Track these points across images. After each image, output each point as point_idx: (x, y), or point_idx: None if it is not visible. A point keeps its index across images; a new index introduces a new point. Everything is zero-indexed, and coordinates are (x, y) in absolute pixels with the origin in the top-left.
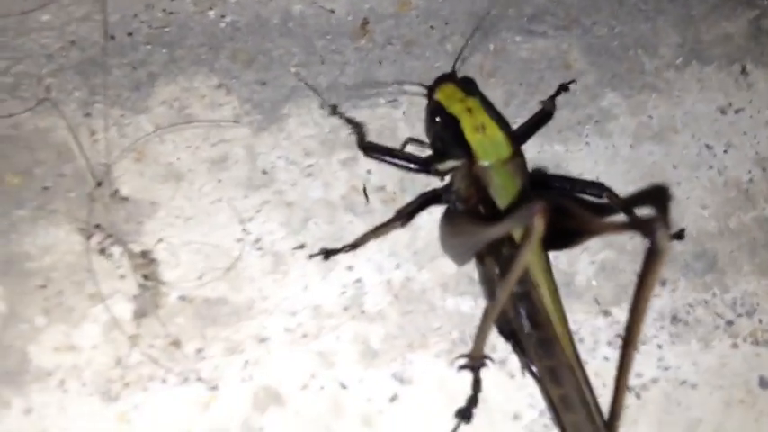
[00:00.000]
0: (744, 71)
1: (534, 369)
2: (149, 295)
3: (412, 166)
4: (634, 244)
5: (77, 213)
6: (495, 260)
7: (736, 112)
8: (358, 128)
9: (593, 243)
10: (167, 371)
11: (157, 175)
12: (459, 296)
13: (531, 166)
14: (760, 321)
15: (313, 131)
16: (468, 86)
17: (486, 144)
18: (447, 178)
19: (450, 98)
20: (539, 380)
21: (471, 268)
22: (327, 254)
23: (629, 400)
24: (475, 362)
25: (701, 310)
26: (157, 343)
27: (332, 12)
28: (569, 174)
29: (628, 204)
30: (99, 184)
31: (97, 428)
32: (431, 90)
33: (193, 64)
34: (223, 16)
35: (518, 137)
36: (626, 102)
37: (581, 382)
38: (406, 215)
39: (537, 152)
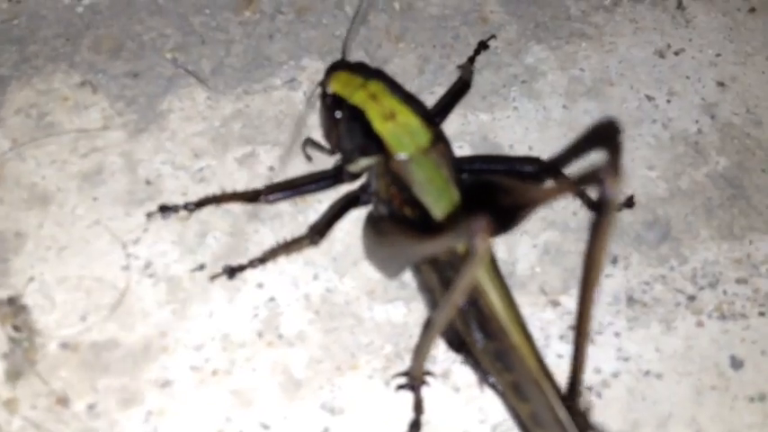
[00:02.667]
0: (680, 5)
1: (493, 382)
2: (22, 350)
3: (322, 184)
4: (578, 220)
5: None
6: (433, 268)
7: (676, 53)
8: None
9: (533, 224)
10: None
11: (20, 200)
12: (390, 303)
13: (454, 145)
14: (725, 293)
15: (201, 127)
16: (365, 70)
17: (400, 133)
18: (362, 178)
19: (348, 86)
20: (501, 394)
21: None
22: (232, 272)
23: (591, 398)
24: (415, 381)
25: (658, 288)
26: (40, 403)
27: None
28: (499, 147)
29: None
30: None
31: None
32: (323, 84)
33: (50, 60)
34: None
35: (436, 116)
36: (553, 54)
37: (550, 397)
38: (318, 231)
39: (461, 125)
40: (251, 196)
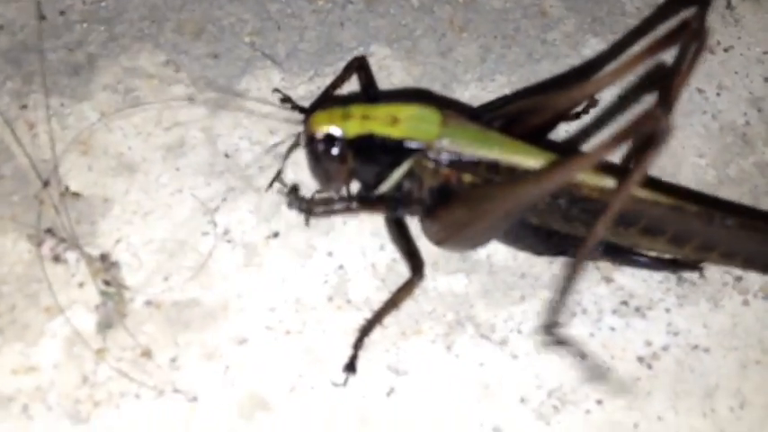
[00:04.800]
0: (729, 5)
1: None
2: (113, 303)
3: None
4: None
5: (24, 218)
6: (551, 209)
7: (726, 50)
8: (296, 196)
9: None
10: (140, 385)
11: (108, 168)
12: (451, 275)
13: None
14: None
15: (276, 106)
16: (331, 104)
17: (414, 125)
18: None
19: (335, 121)
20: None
21: None
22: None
23: (641, 371)
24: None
25: (707, 268)
26: (126, 355)
27: None
28: (557, 130)
29: None
30: (46, 184)
31: None
32: (307, 132)
33: (136, 40)
34: None
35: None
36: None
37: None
38: (417, 267)
39: None
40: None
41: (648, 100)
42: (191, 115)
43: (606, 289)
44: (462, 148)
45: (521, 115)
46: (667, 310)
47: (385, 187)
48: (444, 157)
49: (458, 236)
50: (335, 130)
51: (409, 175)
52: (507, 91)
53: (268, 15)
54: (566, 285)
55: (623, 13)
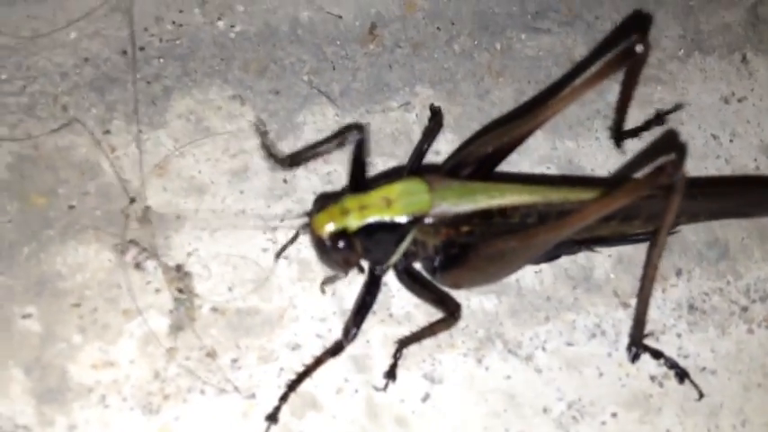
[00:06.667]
0: (744, 59)
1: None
2: (184, 308)
3: (375, 294)
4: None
5: (108, 230)
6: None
7: (740, 100)
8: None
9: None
10: (205, 382)
11: (180, 188)
12: (483, 295)
13: (542, 166)
14: None
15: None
16: (324, 200)
17: (405, 202)
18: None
19: (335, 219)
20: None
21: None
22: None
23: (653, 389)
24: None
25: (716, 298)
26: (194, 355)
27: (339, 17)
28: (582, 169)
29: None
30: (132, 201)
31: None
32: (317, 238)
33: (207, 76)
34: (233, 26)
35: (416, 160)
36: (632, 95)
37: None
38: (453, 308)
39: (550, 149)
40: (336, 349)
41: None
42: (254, 145)
43: (624, 314)
44: (454, 206)
45: (485, 153)
46: (678, 335)
47: (393, 260)
48: (441, 219)
49: (470, 282)
50: (339, 228)
51: (413, 242)
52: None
53: (324, 57)
54: (642, 300)
55: (646, 64)
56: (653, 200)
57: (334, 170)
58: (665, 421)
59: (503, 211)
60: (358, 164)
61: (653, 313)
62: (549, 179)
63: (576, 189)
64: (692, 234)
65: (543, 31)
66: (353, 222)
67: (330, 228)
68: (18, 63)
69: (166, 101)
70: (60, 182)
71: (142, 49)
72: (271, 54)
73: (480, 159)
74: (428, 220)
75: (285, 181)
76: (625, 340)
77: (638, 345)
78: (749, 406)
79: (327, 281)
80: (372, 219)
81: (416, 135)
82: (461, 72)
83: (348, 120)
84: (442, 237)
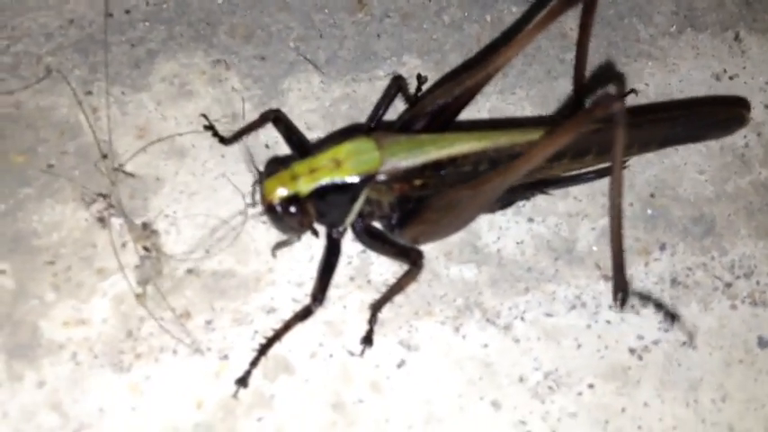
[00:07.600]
0: (737, 38)
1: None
2: (156, 267)
3: (337, 255)
4: (633, 210)
5: (85, 189)
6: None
7: (731, 78)
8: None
9: (593, 210)
10: (178, 342)
11: (161, 151)
12: (463, 264)
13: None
14: (758, 283)
15: (314, 105)
16: (275, 166)
17: (355, 161)
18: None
19: (286, 184)
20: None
21: (475, 236)
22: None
23: (632, 361)
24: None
25: (699, 274)
26: (167, 315)
27: None
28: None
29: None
30: (104, 157)
31: (110, 399)
32: (264, 200)
33: (192, 40)
34: None
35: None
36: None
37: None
38: (416, 257)
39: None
40: (304, 313)
41: None
42: (237, 109)
43: (605, 286)
44: (404, 160)
45: (437, 106)
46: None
47: (349, 221)
48: (392, 175)
49: (429, 235)
50: (290, 193)
51: (367, 201)
52: (526, 104)
53: (312, 24)
54: (614, 243)
55: (638, 40)
56: (601, 133)
57: (316, 137)
58: (643, 394)
59: (453, 161)
60: (290, 136)
61: (634, 287)
62: (497, 123)
63: (525, 131)
64: (677, 209)
65: (534, 4)
66: (304, 186)
67: (281, 193)
68: (2, 23)
69: (150, 64)
70: (40, 141)
71: (128, 12)
72: (258, 20)
73: (433, 114)
74: (380, 178)
75: (266, 146)
76: (606, 313)
77: (623, 289)
78: (730, 382)
79: (279, 245)
80: (323, 181)
81: (401, 105)
82: (450, 43)
83: (334, 86)
84: (395, 193)
